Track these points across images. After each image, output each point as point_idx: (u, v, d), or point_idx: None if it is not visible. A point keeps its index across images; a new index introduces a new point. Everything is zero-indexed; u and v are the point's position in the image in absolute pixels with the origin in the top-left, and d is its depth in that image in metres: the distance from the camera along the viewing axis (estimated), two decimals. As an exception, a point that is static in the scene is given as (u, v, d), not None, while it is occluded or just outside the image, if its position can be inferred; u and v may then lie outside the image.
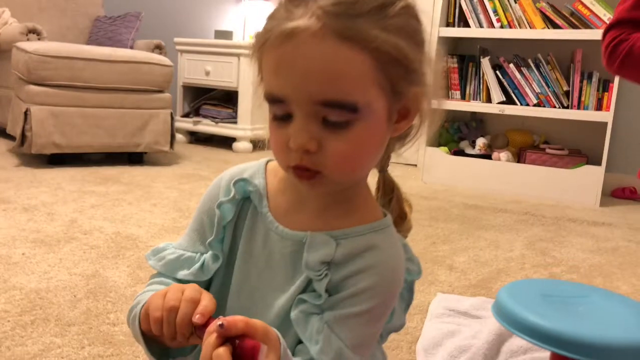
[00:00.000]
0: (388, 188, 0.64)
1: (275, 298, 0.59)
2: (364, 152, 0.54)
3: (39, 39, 2.89)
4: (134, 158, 2.79)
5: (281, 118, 0.52)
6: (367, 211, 0.60)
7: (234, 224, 0.61)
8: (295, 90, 0.50)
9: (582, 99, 2.71)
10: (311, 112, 0.50)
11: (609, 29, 1.12)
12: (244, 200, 0.62)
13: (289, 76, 0.50)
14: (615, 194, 2.86)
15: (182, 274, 0.61)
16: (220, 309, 0.61)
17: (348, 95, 0.49)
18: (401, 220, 0.65)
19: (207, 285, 0.63)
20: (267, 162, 0.64)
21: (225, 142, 3.62)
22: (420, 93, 0.55)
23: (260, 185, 0.61)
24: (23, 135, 2.44)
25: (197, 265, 0.61)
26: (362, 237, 0.57)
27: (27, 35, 2.86)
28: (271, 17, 0.53)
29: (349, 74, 0.49)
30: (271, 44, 0.51)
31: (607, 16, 2.57)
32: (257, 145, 3.42)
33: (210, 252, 0.61)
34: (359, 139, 0.52)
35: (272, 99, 0.52)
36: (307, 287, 0.57)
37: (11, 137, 2.79)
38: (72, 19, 3.72)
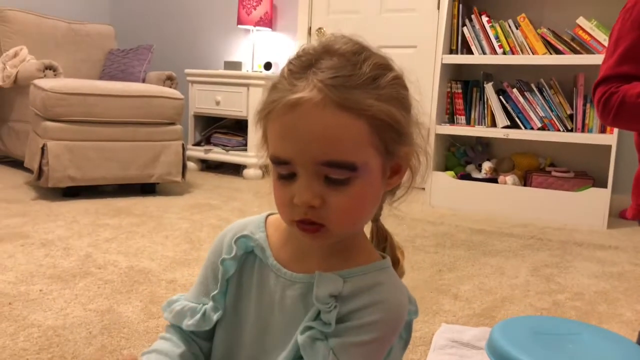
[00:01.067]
0: (381, 236, 0.69)
1: (291, 339, 0.63)
2: (363, 205, 0.60)
3: (55, 75, 3.00)
4: (147, 189, 2.86)
5: (286, 177, 0.58)
6: (366, 255, 0.65)
7: (237, 277, 0.67)
8: (300, 154, 0.56)
9: (586, 122, 2.74)
10: (314, 172, 0.56)
11: (597, 85, 1.17)
12: (247, 255, 0.67)
13: (294, 141, 0.56)
14: (624, 215, 2.86)
15: (186, 323, 0.67)
16: (230, 356, 0.67)
17: (347, 157, 0.55)
18: (394, 267, 0.70)
19: (212, 335, 0.68)
20: (267, 216, 0.69)
21: (236, 169, 3.69)
22: (410, 152, 0.62)
23: (261, 239, 0.66)
24: (40, 170, 2.52)
25: (199, 315, 0.66)
26: (367, 275, 0.62)
27: (43, 71, 2.97)
28: (274, 89, 0.59)
29: (347, 138, 0.55)
30: (277, 113, 0.57)
31: (606, 41, 2.60)
32: (267, 172, 3.48)
33: (211, 304, 0.66)
34: (358, 194, 0.57)
35: (278, 161, 0.58)
36: (316, 317, 0.61)
37: (28, 170, 2.88)
38: (86, 53, 3.85)
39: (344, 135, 0.55)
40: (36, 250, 1.81)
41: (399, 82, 0.60)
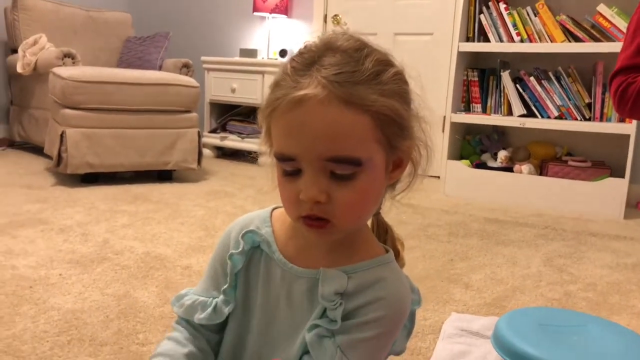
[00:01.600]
0: (382, 229, 0.71)
1: (298, 333, 0.64)
2: (368, 199, 0.61)
3: (73, 63, 3.04)
4: (164, 175, 2.90)
5: (291, 174, 0.59)
6: (370, 249, 0.67)
7: (244, 271, 0.68)
8: (306, 150, 0.57)
9: (605, 111, 2.70)
10: (320, 168, 0.57)
11: (614, 76, 1.15)
12: (254, 249, 0.68)
13: (299, 138, 0.57)
14: (641, 206, 2.83)
15: (198, 317, 0.68)
16: (239, 348, 0.69)
17: (353, 152, 0.56)
18: (395, 258, 0.71)
19: (222, 327, 0.70)
20: (272, 210, 0.71)
21: (251, 156, 3.72)
22: (411, 145, 0.63)
23: (267, 233, 0.68)
24: (59, 156, 2.57)
25: (210, 309, 0.68)
26: (370, 270, 0.64)
27: (62, 59, 3.01)
28: (278, 86, 0.59)
29: (352, 134, 0.56)
30: (281, 111, 0.58)
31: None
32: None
33: (222, 297, 0.68)
34: (363, 188, 0.58)
35: (283, 158, 0.59)
36: (323, 315, 0.63)
37: (48, 156, 2.94)
38: (104, 40, 3.88)
39: (349, 131, 0.56)
40: (55, 235, 1.85)
41: (400, 77, 0.61)
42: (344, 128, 0.56)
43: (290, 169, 0.59)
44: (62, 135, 2.56)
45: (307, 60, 0.58)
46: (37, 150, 3.42)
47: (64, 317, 1.26)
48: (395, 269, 0.66)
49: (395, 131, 0.60)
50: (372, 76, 0.57)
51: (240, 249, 0.67)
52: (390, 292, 0.63)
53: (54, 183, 2.67)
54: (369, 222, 0.70)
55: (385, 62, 0.60)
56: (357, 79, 0.56)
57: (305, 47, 0.60)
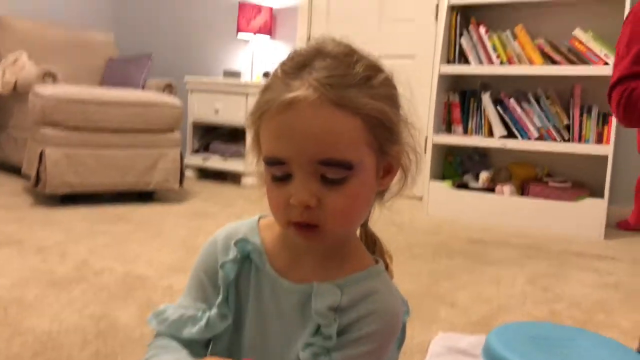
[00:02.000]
0: (370, 241, 0.70)
1: (291, 347, 0.63)
2: (358, 205, 0.60)
3: (54, 82, 3.01)
4: (145, 196, 2.86)
5: (280, 178, 0.58)
6: (361, 259, 0.66)
7: (234, 283, 0.65)
8: (297, 153, 0.56)
9: (583, 132, 2.76)
10: (311, 171, 0.56)
11: (612, 88, 1.16)
12: (244, 259, 0.66)
13: (290, 140, 0.56)
14: (622, 226, 2.87)
15: (189, 331, 0.64)
16: None
17: (344, 155, 0.56)
18: None
19: (207, 343, 0.67)
20: (259, 219, 0.69)
21: (234, 178, 3.69)
22: (400, 150, 0.62)
23: (257, 243, 0.66)
24: (38, 176, 2.52)
25: (202, 323, 0.64)
26: (362, 283, 0.62)
27: (43, 78, 2.98)
28: (268, 89, 0.59)
29: (344, 137, 0.56)
30: (271, 113, 0.57)
31: (603, 52, 2.63)
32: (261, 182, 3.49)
33: (216, 311, 0.64)
34: (353, 193, 0.57)
35: (273, 161, 0.58)
36: (317, 331, 0.61)
37: (26, 177, 2.88)
38: (86, 60, 3.86)
39: (340, 133, 0.55)
40: (32, 256, 1.80)
41: (389, 83, 0.61)
42: (335, 130, 0.55)
43: (280, 173, 0.58)
44: (41, 155, 2.52)
45: (298, 64, 0.58)
46: (15, 171, 3.35)
47: (39, 338, 1.21)
48: (386, 280, 0.65)
49: (385, 135, 0.59)
50: (363, 80, 0.57)
51: (232, 257, 0.65)
52: (383, 305, 0.62)
53: (32, 204, 2.61)
54: (357, 233, 0.69)
55: (375, 68, 0.60)
56: (348, 82, 0.56)
57: (296, 51, 0.60)
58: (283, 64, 0.59)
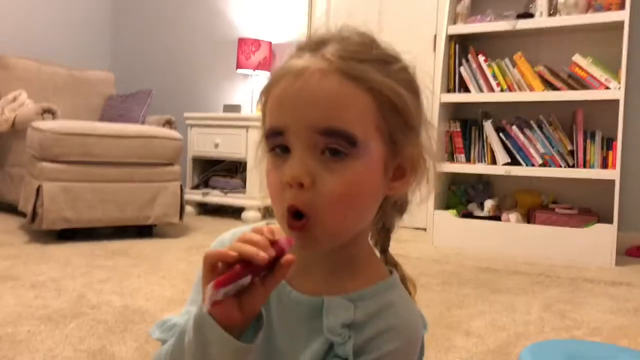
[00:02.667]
0: (390, 266, 0.64)
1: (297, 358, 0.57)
2: (357, 195, 0.53)
3: (53, 119, 2.99)
4: (144, 231, 2.79)
5: (279, 155, 0.53)
6: (374, 270, 0.61)
7: None
8: (298, 119, 0.51)
9: (587, 157, 2.72)
10: (310, 144, 0.51)
11: None
12: None
13: (292, 106, 0.52)
14: (630, 253, 2.80)
15: None
16: None
17: (349, 126, 0.51)
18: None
19: None
20: (266, 224, 0.64)
21: (234, 212, 3.64)
22: (417, 154, 0.57)
23: None
24: (34, 212, 2.47)
25: None
26: (377, 296, 0.57)
27: (42, 115, 2.97)
28: (279, 66, 0.56)
29: (351, 107, 0.52)
30: (279, 82, 0.54)
31: (603, 77, 2.63)
32: (267, 212, 3.44)
33: None
34: (353, 179, 0.52)
35: (272, 132, 0.54)
36: (329, 350, 0.56)
37: (22, 214, 2.82)
38: (85, 98, 3.87)
39: (347, 103, 0.51)
40: (26, 291, 1.73)
41: (410, 71, 0.57)
42: (342, 99, 0.51)
43: (278, 147, 0.53)
44: (38, 190, 2.47)
45: (314, 41, 0.55)
46: (11, 209, 3.29)
47: (32, 375, 1.13)
48: (402, 292, 0.60)
49: (398, 124, 0.54)
50: (380, 61, 0.54)
51: None
52: (401, 319, 0.57)
53: (28, 240, 2.54)
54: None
55: (395, 56, 0.56)
56: (363, 58, 0.53)
57: (314, 33, 0.57)
58: (299, 42, 0.56)
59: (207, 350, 0.50)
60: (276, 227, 0.59)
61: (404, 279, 0.64)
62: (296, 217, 0.52)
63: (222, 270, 0.49)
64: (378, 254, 0.64)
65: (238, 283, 0.48)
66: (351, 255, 0.59)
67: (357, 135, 0.51)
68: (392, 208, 0.61)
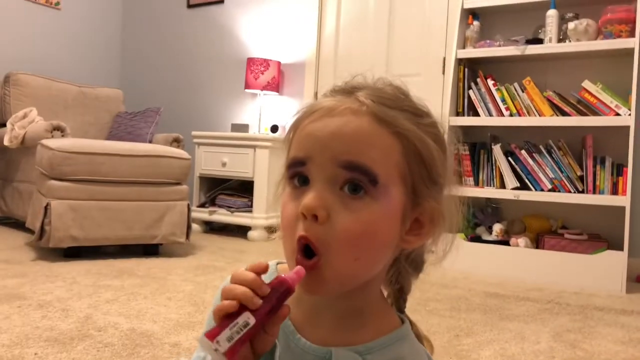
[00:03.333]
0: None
1: None
2: (371, 237, 0.52)
3: (62, 136, 3.01)
4: (150, 250, 2.79)
5: (297, 187, 0.53)
6: (385, 319, 0.59)
7: None
8: (321, 149, 0.51)
9: (597, 183, 2.71)
10: (331, 176, 0.51)
11: None
12: None
13: (318, 138, 0.52)
14: (641, 280, 2.77)
15: None
16: None
17: (372, 164, 0.51)
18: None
19: None
20: (277, 264, 0.64)
21: (240, 231, 3.63)
22: (437, 210, 0.55)
23: None
24: (42, 230, 2.47)
25: None
26: (387, 349, 0.56)
27: (51, 132, 2.98)
28: (310, 103, 0.56)
29: (377, 146, 0.51)
30: (308, 117, 0.54)
31: (613, 103, 2.63)
32: (273, 231, 3.43)
33: None
34: (369, 219, 0.51)
35: (295, 161, 0.53)
36: None
37: (29, 231, 2.82)
38: (94, 116, 3.89)
39: (373, 141, 0.51)
40: (33, 311, 1.72)
41: (439, 127, 0.58)
42: (369, 137, 0.51)
43: (298, 179, 0.53)
44: (46, 208, 2.47)
45: (348, 86, 0.56)
46: (18, 225, 3.31)
47: (38, 401, 1.12)
48: (413, 344, 0.59)
49: (422, 174, 0.54)
50: (411, 112, 0.55)
51: None
52: None
53: (35, 258, 2.54)
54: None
55: (426, 111, 0.57)
56: (395, 105, 0.54)
57: (350, 81, 0.59)
58: (334, 86, 0.57)
59: None
60: (282, 267, 0.59)
61: (419, 338, 0.63)
62: (306, 255, 0.51)
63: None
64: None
65: (238, 324, 0.48)
66: (360, 304, 0.57)
67: (378, 175, 0.51)
68: (407, 265, 0.61)
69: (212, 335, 0.47)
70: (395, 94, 0.56)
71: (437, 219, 0.56)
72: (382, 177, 0.51)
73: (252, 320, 0.48)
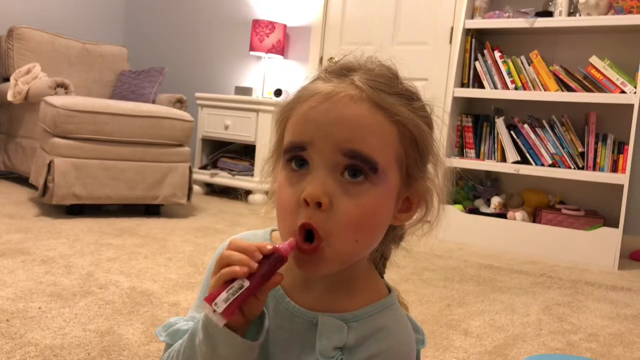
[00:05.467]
0: None
1: None
2: (371, 220, 0.55)
3: (66, 93, 3.01)
4: (151, 210, 2.83)
5: (295, 169, 0.54)
6: (372, 289, 0.62)
7: None
8: (324, 136, 0.52)
9: (598, 160, 2.72)
10: (332, 163, 0.52)
11: None
12: None
13: (318, 124, 0.53)
14: (634, 257, 2.81)
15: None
16: None
17: (373, 152, 0.52)
18: None
19: None
20: (272, 231, 0.66)
21: (242, 194, 3.66)
22: (425, 189, 0.58)
23: None
24: (45, 186, 2.50)
25: None
26: (371, 318, 0.59)
27: (55, 89, 2.98)
28: (306, 85, 0.57)
29: (378, 134, 0.53)
30: (305, 101, 0.54)
31: (619, 80, 2.61)
32: (272, 198, 3.46)
33: None
34: (369, 204, 0.53)
35: (295, 145, 0.54)
36: None
37: (33, 186, 2.86)
38: (98, 73, 3.87)
39: (374, 130, 0.53)
40: (37, 267, 1.77)
41: (428, 110, 0.60)
42: (370, 125, 0.53)
43: (297, 163, 0.54)
44: (49, 165, 2.50)
45: (343, 68, 0.57)
46: (22, 180, 3.34)
47: (42, 353, 1.17)
48: (398, 313, 0.62)
49: (415, 158, 0.57)
50: (404, 96, 0.56)
51: None
52: (394, 342, 0.58)
53: (38, 214, 2.58)
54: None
55: (416, 93, 0.59)
56: (390, 90, 0.55)
57: (341, 60, 0.59)
58: (327, 67, 0.58)
59: (216, 348, 0.53)
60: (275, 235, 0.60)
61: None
62: (307, 239, 0.53)
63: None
64: None
65: (234, 287, 0.50)
66: (350, 274, 0.60)
67: (379, 163, 0.53)
68: (392, 237, 0.63)
69: (210, 299, 0.50)
70: (388, 77, 0.57)
71: (424, 195, 0.59)
72: (382, 164, 0.53)
73: (246, 283, 0.51)
